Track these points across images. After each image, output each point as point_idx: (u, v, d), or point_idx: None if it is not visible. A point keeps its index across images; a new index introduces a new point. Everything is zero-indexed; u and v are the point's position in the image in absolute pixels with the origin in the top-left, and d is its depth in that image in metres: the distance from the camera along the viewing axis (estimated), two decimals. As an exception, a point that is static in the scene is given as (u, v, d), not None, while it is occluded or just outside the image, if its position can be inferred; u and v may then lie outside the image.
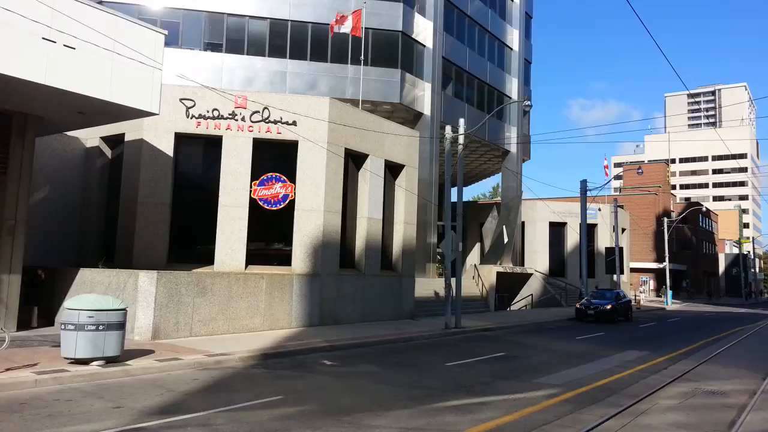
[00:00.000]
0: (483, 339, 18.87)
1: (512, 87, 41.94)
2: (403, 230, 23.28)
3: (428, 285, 29.36)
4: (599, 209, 44.34)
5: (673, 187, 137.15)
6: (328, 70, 29.71)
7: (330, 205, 19.50)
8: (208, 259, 18.45)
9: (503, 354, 15.10)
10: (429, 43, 32.81)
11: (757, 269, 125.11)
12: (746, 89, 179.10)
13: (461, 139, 22.28)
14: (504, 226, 35.92)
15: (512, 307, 36.55)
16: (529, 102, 19.35)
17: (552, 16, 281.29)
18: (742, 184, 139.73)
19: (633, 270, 69.24)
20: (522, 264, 43.33)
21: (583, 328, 23.07)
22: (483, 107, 38.89)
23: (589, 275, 45.04)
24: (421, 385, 10.44)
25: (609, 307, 25.14)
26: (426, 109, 32.50)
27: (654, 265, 67.03)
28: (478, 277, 32.98)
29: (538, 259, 43.84)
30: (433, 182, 33.13)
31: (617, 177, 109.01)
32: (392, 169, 23.49)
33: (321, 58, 29.66)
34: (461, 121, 22.67)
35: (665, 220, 49.11)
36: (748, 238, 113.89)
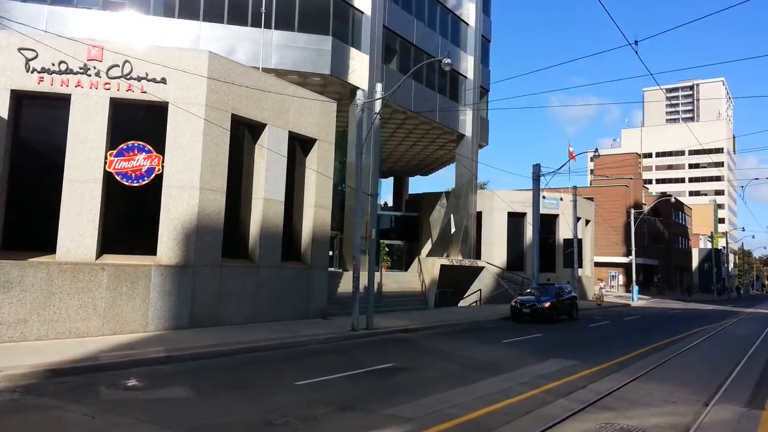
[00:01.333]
0: (388, 343, 15.70)
1: (468, 65, 38.78)
2: (314, 215, 20.02)
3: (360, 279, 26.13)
4: (561, 199, 41.45)
5: (650, 181, 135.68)
6: (248, 35, 26.19)
7: (209, 182, 16.15)
8: (51, 246, 14.99)
9: (390, 366, 11.93)
10: (368, 9, 29.42)
11: (731, 265, 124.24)
12: (724, 84, 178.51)
13: (378, 107, 19.03)
14: (452, 215, 32.81)
15: (461, 303, 33.55)
16: (448, 60, 16.07)
17: (532, 12, 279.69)
18: (718, 179, 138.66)
19: (603, 264, 66.90)
20: (478, 257, 40.33)
21: (519, 329, 20.00)
22: (433, 86, 35.73)
23: (549, 269, 42.34)
24: (208, 424, 7.20)
25: (547, 304, 21.73)
26: (363, 83, 29.08)
27: (624, 260, 64.59)
28: (421, 270, 29.87)
29: (495, 252, 40.88)
30: (370, 166, 29.84)
31: (592, 172, 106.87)
32: (302, 144, 20.22)
33: (240, 21, 26.12)
34: (378, 86, 19.46)
35: (632, 211, 46.40)
36: (723, 233, 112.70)
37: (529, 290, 24.68)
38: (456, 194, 34.96)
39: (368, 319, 17.77)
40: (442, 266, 29.90)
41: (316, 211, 20.01)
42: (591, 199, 68.13)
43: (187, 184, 15.82)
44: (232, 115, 16.99)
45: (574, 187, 36.49)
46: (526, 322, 21.77)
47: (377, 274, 27.38)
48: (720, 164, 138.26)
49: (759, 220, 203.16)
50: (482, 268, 34.15)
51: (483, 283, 34.49)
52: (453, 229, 32.58)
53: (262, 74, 18.59)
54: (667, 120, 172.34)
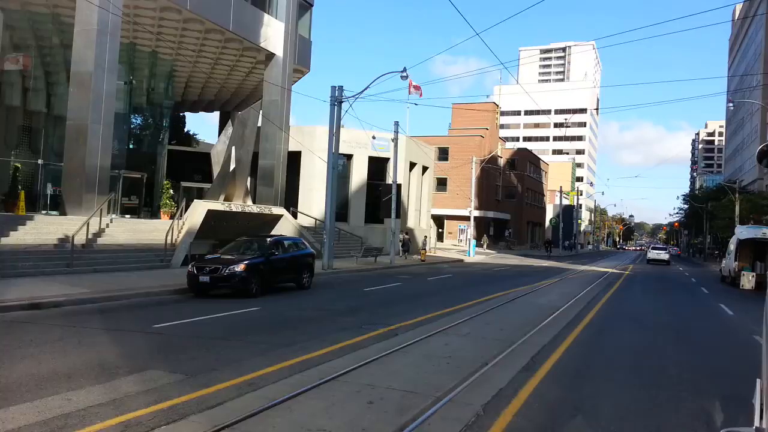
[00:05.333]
0: None
1: (280, -36, 31.25)
2: None
3: (53, 227, 18.59)
4: (392, 140, 35.78)
5: (517, 139, 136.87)
6: None
7: None
8: None
9: None
10: None
11: (587, 222, 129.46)
12: (594, 48, 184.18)
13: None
14: (233, 148, 25.74)
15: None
16: None
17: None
18: (580, 138, 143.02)
19: (454, 217, 63.68)
20: (295, 205, 33.94)
21: (213, 303, 13.49)
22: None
23: (377, 220, 37.09)
24: None
25: (241, 267, 13.60)
26: (95, -46, 20.79)
27: (476, 213, 61.46)
28: (182, 217, 22.78)
29: (315, 200, 34.77)
30: (103, 67, 21.84)
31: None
32: None
33: None
34: None
35: (474, 158, 42.07)
36: (580, 191, 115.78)
37: (231, 246, 16.06)
38: (241, 122, 27.84)
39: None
40: (212, 212, 22.93)
41: None
42: (446, 149, 64.19)
43: None
44: None
45: (396, 123, 30.84)
46: (213, 296, 14.11)
47: (96, 220, 19.95)
48: (583, 124, 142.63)
49: (600, 178, 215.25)
50: (280, 216, 27.63)
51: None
52: (233, 166, 25.57)
53: None
54: (539, 80, 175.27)
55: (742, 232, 28.06)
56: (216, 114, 45.37)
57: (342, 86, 24.00)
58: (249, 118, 27.36)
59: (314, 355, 8.42)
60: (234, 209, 24.20)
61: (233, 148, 26.36)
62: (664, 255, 51.89)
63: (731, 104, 23.29)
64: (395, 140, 30.72)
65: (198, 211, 22.39)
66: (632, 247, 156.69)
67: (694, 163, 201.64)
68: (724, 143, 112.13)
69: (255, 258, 14.39)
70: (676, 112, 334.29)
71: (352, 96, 23.61)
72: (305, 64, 34.59)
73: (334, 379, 7.07)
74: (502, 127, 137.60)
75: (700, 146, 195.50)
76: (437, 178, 63.96)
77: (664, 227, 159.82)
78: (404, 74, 22.71)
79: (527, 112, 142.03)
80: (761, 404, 2.71)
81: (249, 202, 27.13)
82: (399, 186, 31.50)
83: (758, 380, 2.82)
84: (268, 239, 15.37)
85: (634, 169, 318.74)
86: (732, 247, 28.49)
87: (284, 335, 9.97)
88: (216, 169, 30.10)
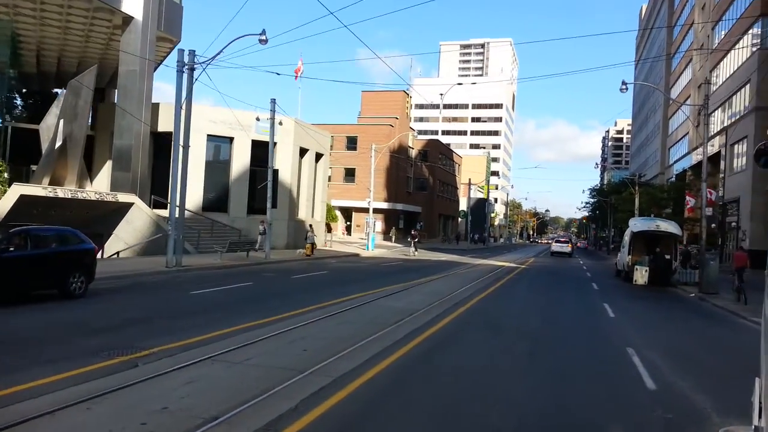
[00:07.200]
0: None
1: None
2: None
3: None
4: (280, 123, 32.33)
5: (435, 132, 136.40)
6: None
7: None
8: None
9: None
10: None
11: (502, 215, 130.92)
12: (511, 45, 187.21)
13: None
14: (61, 122, 21.57)
15: (102, 255, 22.89)
16: None
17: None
18: (496, 133, 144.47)
19: (361, 210, 60.95)
20: (164, 195, 29.84)
21: None
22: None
23: (259, 211, 33.57)
24: None
25: None
26: None
27: (384, 205, 59.13)
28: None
29: (191, 188, 30.69)
30: None
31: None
32: None
33: None
34: None
35: (373, 146, 39.34)
36: (495, 185, 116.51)
37: None
38: (73, 91, 23.48)
39: None
40: (29, 198, 18.80)
41: None
42: (354, 138, 61.25)
43: None
44: None
45: (273, 101, 27.45)
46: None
47: None
48: (499, 119, 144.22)
49: (515, 172, 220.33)
50: (130, 204, 23.66)
51: (133, 226, 24.16)
52: (59, 142, 21.39)
53: None
54: (459, 75, 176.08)
55: (636, 224, 26.87)
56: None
57: (194, 50, 20.40)
58: (83, 87, 23.09)
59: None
60: (61, 195, 20.07)
61: (61, 122, 22.11)
62: (566, 248, 52.21)
63: (624, 87, 22.13)
64: (271, 119, 27.41)
65: (9, 197, 18.21)
66: (545, 240, 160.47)
67: (604, 159, 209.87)
68: (630, 140, 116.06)
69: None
70: (589, 111, 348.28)
71: (206, 61, 20.04)
72: (174, 32, 30.47)
73: None
74: (420, 120, 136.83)
75: (610, 143, 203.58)
76: (345, 169, 61.06)
77: (575, 221, 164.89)
78: (263, 38, 19.41)
79: (446, 106, 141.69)
80: (760, 403, 2.74)
81: (88, 186, 22.99)
82: (276, 172, 28.23)
83: (757, 379, 2.77)
84: (10, 231, 11.59)
85: (550, 166, 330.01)
86: (626, 239, 27.26)
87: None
88: (44, 147, 25.50)
